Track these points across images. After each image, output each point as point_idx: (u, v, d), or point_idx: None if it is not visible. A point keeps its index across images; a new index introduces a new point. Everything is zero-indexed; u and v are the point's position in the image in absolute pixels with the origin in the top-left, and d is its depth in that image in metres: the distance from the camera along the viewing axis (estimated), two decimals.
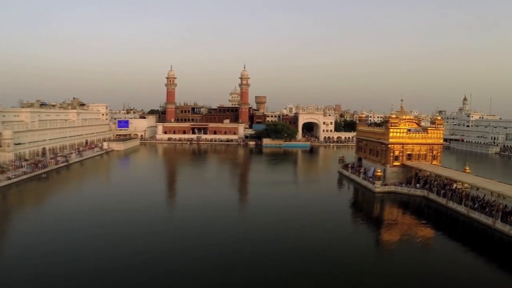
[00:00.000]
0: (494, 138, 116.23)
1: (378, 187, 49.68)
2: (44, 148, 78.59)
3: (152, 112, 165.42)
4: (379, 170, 50.55)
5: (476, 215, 38.10)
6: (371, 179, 52.90)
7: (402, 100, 57.94)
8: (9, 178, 54.11)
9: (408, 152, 53.30)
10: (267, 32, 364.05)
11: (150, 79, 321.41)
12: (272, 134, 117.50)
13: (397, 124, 52.92)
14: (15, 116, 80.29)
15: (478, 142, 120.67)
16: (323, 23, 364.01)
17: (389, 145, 52.50)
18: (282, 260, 27.60)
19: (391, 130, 52.37)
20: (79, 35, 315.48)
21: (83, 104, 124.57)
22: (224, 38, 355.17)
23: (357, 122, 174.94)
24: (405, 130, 53.34)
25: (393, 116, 53.61)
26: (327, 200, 49.57)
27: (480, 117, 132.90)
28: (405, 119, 54.95)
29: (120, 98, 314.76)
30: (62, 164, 70.46)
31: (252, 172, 74.52)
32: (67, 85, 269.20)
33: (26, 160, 68.33)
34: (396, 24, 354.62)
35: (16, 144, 67.44)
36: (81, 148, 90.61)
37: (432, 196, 45.83)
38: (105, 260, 26.98)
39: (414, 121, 57.47)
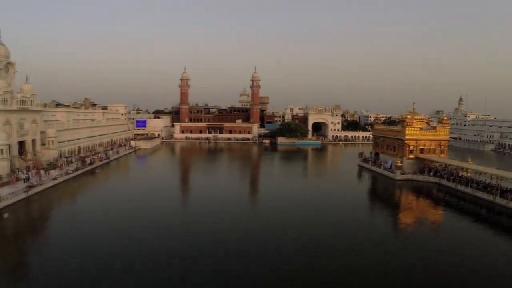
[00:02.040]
0: (490, 136, 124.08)
1: (398, 176, 58.27)
2: (79, 146, 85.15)
3: (158, 112, 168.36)
4: (399, 162, 59.08)
5: (480, 194, 47.11)
6: (390, 169, 61.66)
7: (414, 103, 67.12)
8: (68, 173, 59.09)
9: (420, 147, 61.93)
10: (267, 32, 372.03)
11: (150, 79, 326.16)
12: (287, 133, 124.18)
13: (411, 123, 61.42)
14: (52, 116, 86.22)
15: (475, 140, 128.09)
16: (323, 23, 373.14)
17: (406, 141, 61.13)
18: (327, 225, 35.63)
19: (407, 128, 60.92)
20: (79, 35, 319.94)
21: (94, 105, 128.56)
22: (224, 38, 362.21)
23: (358, 121, 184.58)
24: (418, 128, 61.76)
25: (409, 116, 62.21)
26: (356, 187, 58.21)
27: (476, 117, 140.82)
28: (417, 119, 63.46)
29: (122, 99, 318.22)
30: (104, 161, 76.50)
31: (279, 167, 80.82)
32: (67, 85, 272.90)
33: (66, 157, 73.56)
34: (396, 24, 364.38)
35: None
36: (109, 147, 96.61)
37: (444, 181, 54.51)
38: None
39: (424, 120, 66.14)
